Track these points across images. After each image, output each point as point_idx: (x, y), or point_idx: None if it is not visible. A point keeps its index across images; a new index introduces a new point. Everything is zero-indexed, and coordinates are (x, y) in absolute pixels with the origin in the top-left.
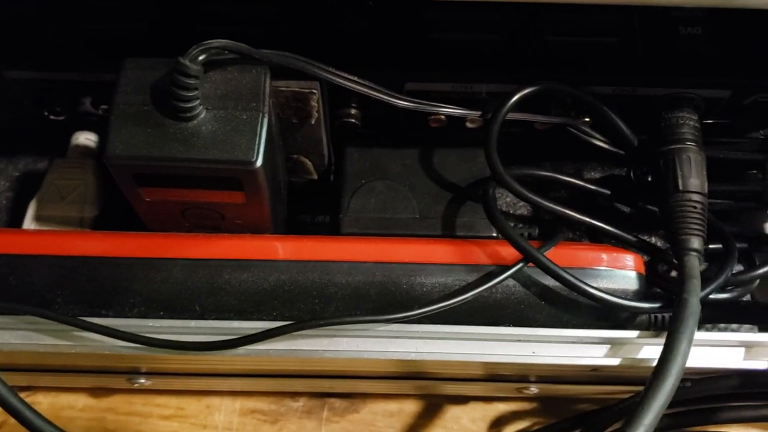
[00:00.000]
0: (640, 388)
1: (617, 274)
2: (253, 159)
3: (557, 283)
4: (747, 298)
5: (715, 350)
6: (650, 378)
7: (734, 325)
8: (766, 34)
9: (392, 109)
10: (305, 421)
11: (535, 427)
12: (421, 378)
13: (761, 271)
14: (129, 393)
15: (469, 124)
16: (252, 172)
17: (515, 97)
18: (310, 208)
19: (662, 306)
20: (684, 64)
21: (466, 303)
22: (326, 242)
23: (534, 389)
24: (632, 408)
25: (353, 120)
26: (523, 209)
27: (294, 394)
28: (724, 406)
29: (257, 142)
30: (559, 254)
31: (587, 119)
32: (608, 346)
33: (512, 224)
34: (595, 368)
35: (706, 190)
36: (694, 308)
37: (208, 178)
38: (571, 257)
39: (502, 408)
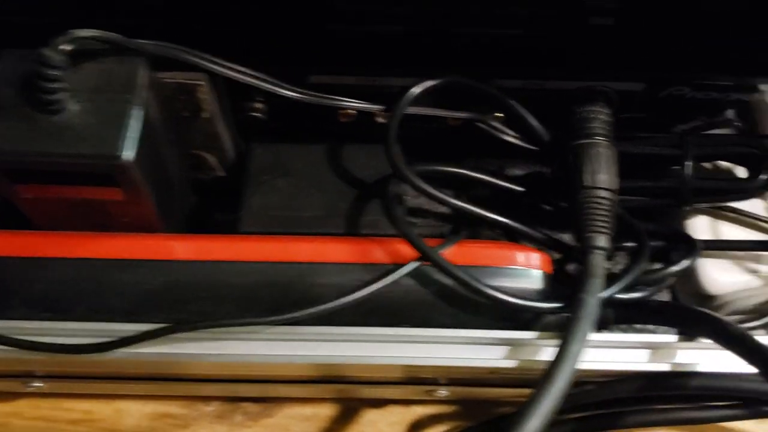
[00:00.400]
0: None
1: (520, 272)
2: (120, 153)
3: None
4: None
5: (619, 352)
6: (539, 381)
7: (651, 327)
8: (680, 25)
9: (298, 103)
10: (217, 426)
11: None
12: (335, 381)
13: (675, 269)
14: (36, 397)
15: (379, 119)
16: (122, 167)
17: (414, 91)
18: (224, 206)
19: (564, 306)
20: (595, 55)
21: (364, 303)
22: (219, 241)
23: (444, 392)
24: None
25: (258, 114)
26: (444, 208)
27: (206, 398)
28: (629, 409)
29: (127, 136)
30: (462, 253)
31: (500, 115)
32: (507, 347)
33: (432, 223)
34: (492, 370)
35: (615, 186)
36: (589, 308)
37: (82, 173)
38: (474, 256)
39: (420, 411)
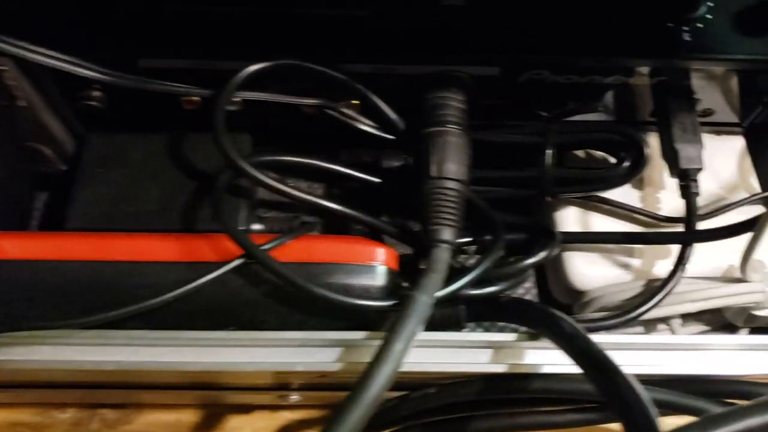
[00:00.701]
0: None
1: (362, 269)
2: None
3: None
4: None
5: (459, 352)
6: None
7: (512, 326)
8: (535, 6)
9: (135, 90)
10: None
11: None
12: (197, 388)
13: (529, 261)
14: None
15: (228, 107)
16: None
17: (241, 75)
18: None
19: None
20: (446, 38)
21: (187, 303)
22: (34, 239)
23: (295, 397)
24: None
25: (95, 103)
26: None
27: (61, 405)
28: (478, 414)
29: None
30: (302, 249)
31: (356, 102)
32: (338, 348)
33: (288, 216)
34: (322, 374)
35: (464, 177)
36: (418, 306)
37: None
38: (312, 252)
39: (287, 417)
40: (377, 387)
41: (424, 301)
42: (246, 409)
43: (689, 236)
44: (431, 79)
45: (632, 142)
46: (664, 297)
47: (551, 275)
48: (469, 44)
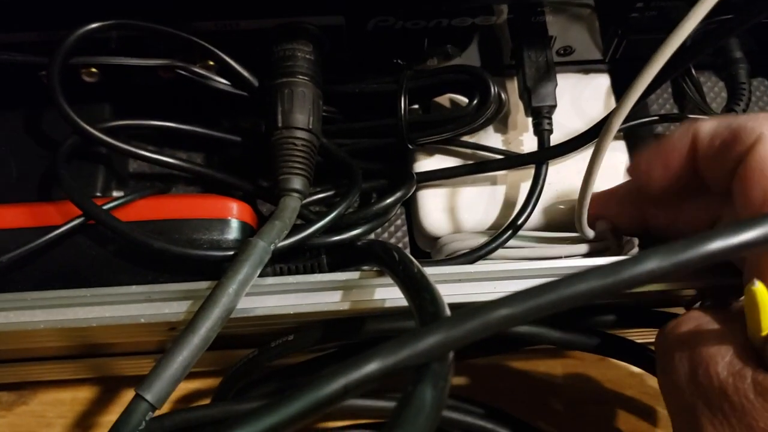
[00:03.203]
0: None
1: (213, 223)
2: None
3: None
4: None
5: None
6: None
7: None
8: None
9: None
10: None
11: None
12: (83, 356)
13: (385, 202)
14: None
15: (85, 77)
16: None
17: (74, 36)
18: None
19: None
20: None
21: (40, 267)
22: None
23: None
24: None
25: None
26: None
27: None
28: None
29: None
30: (150, 207)
31: (211, 63)
32: (188, 301)
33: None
34: (171, 325)
35: (312, 127)
36: (254, 249)
37: None
38: (162, 210)
39: (182, 387)
40: (206, 328)
41: (261, 246)
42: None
43: (540, 154)
44: (277, 32)
45: (479, 80)
46: (497, 248)
47: (415, 229)
48: None
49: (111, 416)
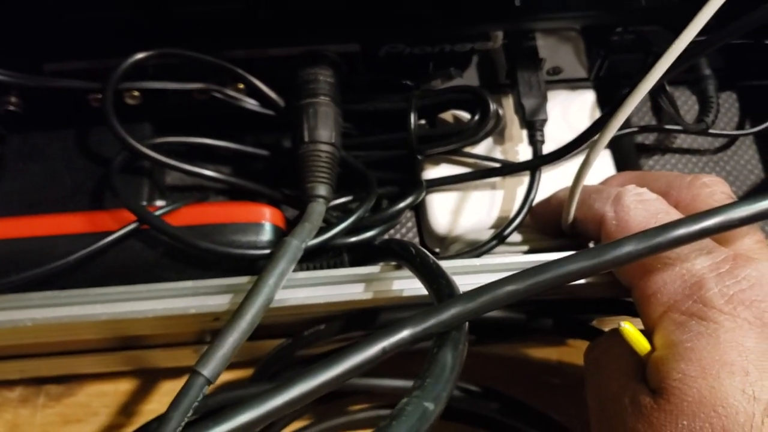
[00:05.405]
0: None
1: (249, 227)
2: None
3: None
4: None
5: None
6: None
7: None
8: None
9: (47, 91)
10: (21, 410)
11: None
12: (124, 348)
13: (398, 207)
14: None
15: (128, 100)
16: None
17: (125, 64)
18: None
19: None
20: (310, 21)
21: (95, 267)
22: None
23: None
24: None
25: (13, 107)
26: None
27: (10, 383)
28: None
29: None
30: (193, 214)
31: (242, 86)
32: (229, 294)
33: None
34: (216, 316)
35: (334, 140)
36: (288, 248)
37: None
38: (204, 216)
39: (220, 378)
40: (251, 314)
41: (294, 244)
42: (177, 372)
43: (534, 162)
44: (301, 59)
45: (479, 99)
46: (499, 243)
47: (424, 230)
48: (329, 23)
49: (151, 405)
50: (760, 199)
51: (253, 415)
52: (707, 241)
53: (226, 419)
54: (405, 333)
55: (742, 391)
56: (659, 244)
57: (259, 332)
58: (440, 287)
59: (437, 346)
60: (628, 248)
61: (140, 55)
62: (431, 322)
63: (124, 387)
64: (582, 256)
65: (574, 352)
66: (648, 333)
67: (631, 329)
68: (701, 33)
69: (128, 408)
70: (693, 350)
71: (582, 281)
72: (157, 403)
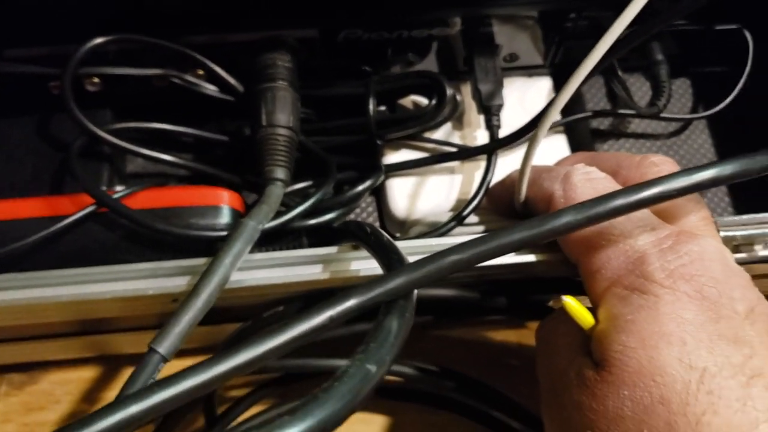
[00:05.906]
0: None
1: (207, 210)
2: None
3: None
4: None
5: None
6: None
7: None
8: None
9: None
10: None
11: None
12: (85, 333)
13: (356, 190)
14: None
15: (88, 87)
16: None
17: (83, 49)
18: None
19: None
20: (265, 5)
21: (55, 250)
22: None
23: None
24: None
25: None
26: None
27: None
28: None
29: None
30: (151, 197)
31: (201, 72)
32: (187, 276)
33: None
34: (174, 298)
35: (292, 125)
36: (245, 228)
37: None
38: (162, 199)
39: (179, 364)
40: (207, 293)
41: (251, 225)
42: (140, 359)
43: (491, 145)
44: (259, 44)
45: (436, 83)
46: (457, 225)
47: (384, 214)
48: (289, 10)
49: (113, 392)
50: (699, 170)
51: (199, 379)
52: (652, 219)
53: (173, 383)
54: (352, 302)
55: (679, 360)
56: (597, 213)
57: (220, 316)
58: (392, 262)
59: (383, 314)
60: (567, 218)
61: (99, 40)
62: (378, 290)
63: (87, 374)
64: (523, 226)
65: (533, 334)
66: (594, 309)
67: (574, 304)
68: (646, 15)
69: (91, 395)
70: (633, 322)
71: (533, 259)
72: (119, 390)
